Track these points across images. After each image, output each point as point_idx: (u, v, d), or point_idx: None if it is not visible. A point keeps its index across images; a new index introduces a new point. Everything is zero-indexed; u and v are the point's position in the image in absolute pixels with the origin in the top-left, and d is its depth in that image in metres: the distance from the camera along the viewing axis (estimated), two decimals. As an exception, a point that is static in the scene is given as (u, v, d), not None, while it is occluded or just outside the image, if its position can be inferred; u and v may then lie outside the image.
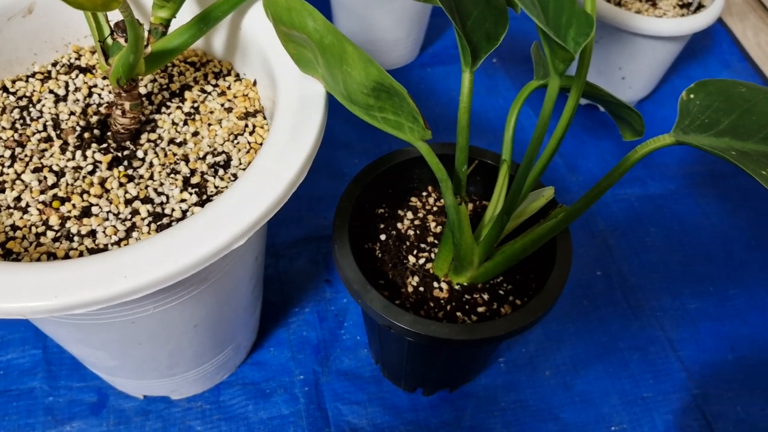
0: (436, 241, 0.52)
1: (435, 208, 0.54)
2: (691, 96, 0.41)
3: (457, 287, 0.49)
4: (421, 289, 0.49)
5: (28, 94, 0.47)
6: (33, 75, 0.48)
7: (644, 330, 0.62)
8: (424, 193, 0.55)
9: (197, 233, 0.34)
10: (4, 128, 0.45)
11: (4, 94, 0.47)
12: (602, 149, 0.76)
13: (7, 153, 0.44)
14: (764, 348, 0.62)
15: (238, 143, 0.45)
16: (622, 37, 0.70)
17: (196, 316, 0.45)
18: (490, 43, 0.41)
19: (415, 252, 0.51)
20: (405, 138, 0.39)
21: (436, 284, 0.49)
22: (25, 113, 0.46)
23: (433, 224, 0.53)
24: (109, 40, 0.43)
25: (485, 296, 0.49)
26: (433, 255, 0.51)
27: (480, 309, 0.48)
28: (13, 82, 0.48)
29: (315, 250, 0.66)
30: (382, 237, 0.52)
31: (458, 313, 0.48)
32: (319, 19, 0.35)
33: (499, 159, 0.50)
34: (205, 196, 0.42)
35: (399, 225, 0.53)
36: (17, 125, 0.45)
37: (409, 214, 0.54)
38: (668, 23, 0.67)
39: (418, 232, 0.53)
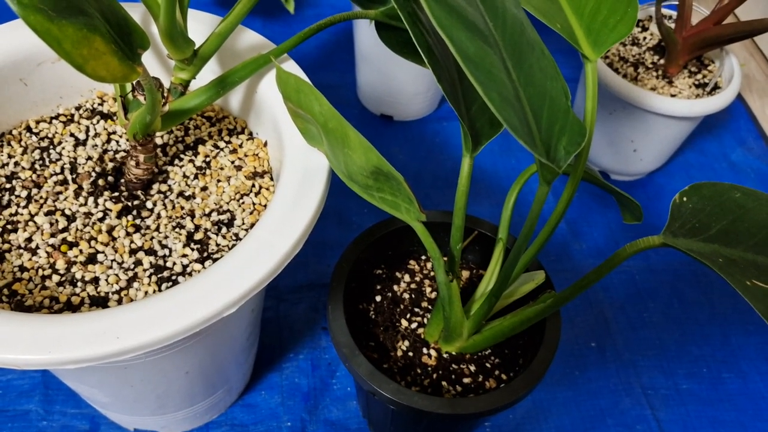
0: (430, 306, 0.53)
1: (432, 273, 0.55)
2: (684, 199, 0.41)
3: (445, 355, 0.50)
4: (411, 354, 0.50)
5: (50, 135, 0.49)
6: (57, 117, 0.51)
7: (633, 407, 0.63)
8: (423, 257, 0.57)
9: (191, 299, 0.35)
10: (24, 168, 0.47)
11: (28, 134, 0.49)
12: (608, 218, 0.77)
13: (24, 193, 0.46)
14: (752, 436, 0.62)
15: (243, 203, 0.46)
16: (636, 113, 0.71)
17: (188, 364, 0.47)
18: (493, 129, 0.43)
19: (408, 316, 0.53)
20: (401, 217, 0.40)
21: (425, 350, 0.50)
22: (45, 154, 0.48)
23: (428, 289, 0.54)
24: (130, 96, 0.45)
25: (472, 368, 0.50)
26: (425, 320, 0.52)
27: (466, 380, 0.49)
28: (37, 122, 0.50)
29: (316, 297, 0.67)
30: (378, 298, 0.53)
31: (444, 382, 0.49)
32: (325, 104, 0.37)
33: (497, 231, 0.51)
34: (206, 254, 0.44)
35: (395, 287, 0.54)
36: (36, 166, 0.47)
37: (407, 277, 0.55)
38: (682, 104, 0.68)
39: (413, 296, 0.54)
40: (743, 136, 0.87)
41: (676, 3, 0.70)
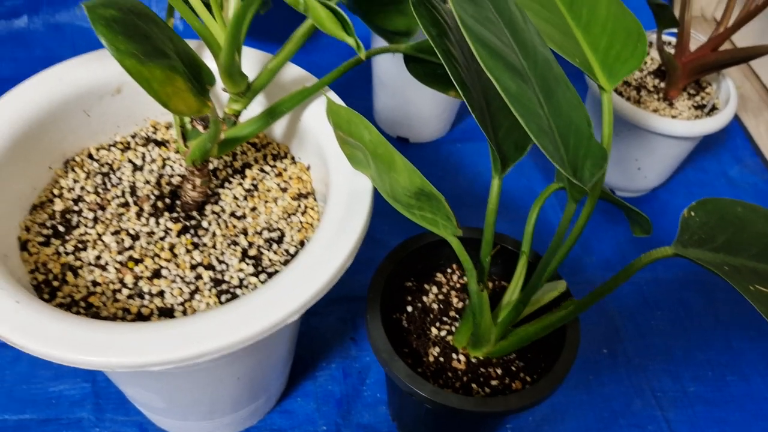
0: (456, 316, 0.58)
1: (458, 285, 0.60)
2: (692, 213, 0.46)
3: (473, 360, 0.55)
4: (441, 359, 0.55)
5: (109, 161, 0.54)
6: (114, 144, 0.55)
7: (644, 409, 0.67)
8: (449, 270, 0.61)
9: (260, 308, 0.40)
10: (88, 192, 0.52)
11: (89, 160, 0.54)
12: (617, 233, 0.81)
13: (90, 215, 0.50)
14: (757, 435, 0.66)
15: (291, 222, 0.51)
16: (640, 134, 0.76)
17: (241, 370, 0.51)
18: (518, 152, 0.48)
19: (437, 324, 0.57)
20: (438, 233, 0.45)
21: (454, 356, 0.55)
22: (106, 179, 0.53)
23: (455, 300, 0.59)
24: (189, 126, 0.49)
25: (498, 371, 0.54)
26: (453, 328, 0.57)
27: (493, 382, 0.53)
28: (97, 150, 0.55)
29: (345, 310, 0.72)
30: (409, 309, 0.58)
31: (473, 385, 0.53)
32: (374, 132, 0.42)
33: (518, 245, 0.55)
34: (260, 268, 0.48)
35: (424, 298, 0.59)
36: (99, 190, 0.52)
37: (434, 289, 0.59)
38: (682, 125, 0.73)
39: (441, 306, 0.58)
40: (740, 153, 0.92)
41: (676, 30, 0.76)
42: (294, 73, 0.54)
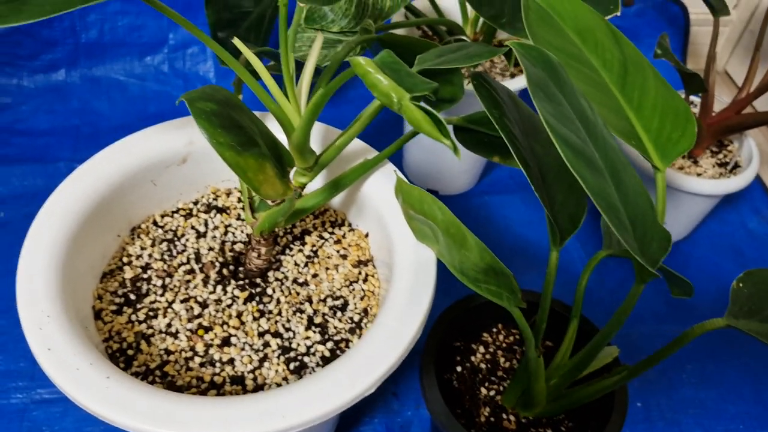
0: (504, 375, 0.60)
1: (504, 345, 0.62)
2: (740, 285, 0.49)
3: (523, 420, 0.56)
4: (492, 419, 0.56)
5: (173, 228, 0.56)
6: (177, 211, 0.57)
7: (680, 463, 0.69)
8: (494, 330, 0.63)
9: (340, 382, 0.42)
10: (156, 259, 0.54)
11: (154, 227, 0.56)
12: (657, 291, 0.83)
13: (159, 282, 0.52)
14: (789, 489, 0.68)
15: (353, 289, 0.53)
16: (667, 190, 0.78)
17: None
18: (573, 225, 0.50)
19: (486, 384, 0.59)
20: (502, 304, 0.47)
21: (505, 416, 0.56)
22: (171, 246, 0.55)
23: (502, 359, 0.61)
24: (256, 198, 0.52)
25: (549, 431, 0.56)
26: (501, 388, 0.59)
27: (544, 443, 0.55)
28: (162, 216, 0.57)
29: (384, 364, 0.73)
30: (458, 368, 0.59)
31: (525, 445, 0.55)
32: (447, 213, 0.44)
33: (557, 304, 0.58)
34: (326, 336, 0.50)
35: (472, 358, 0.61)
36: (165, 257, 0.54)
37: (481, 348, 0.61)
38: (709, 184, 0.76)
39: (489, 366, 0.60)
40: (758, 206, 0.95)
41: (700, 93, 0.79)
42: (354, 145, 0.56)
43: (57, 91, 0.96)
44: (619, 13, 0.58)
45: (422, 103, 0.36)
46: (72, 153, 0.90)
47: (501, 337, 0.63)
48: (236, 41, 0.46)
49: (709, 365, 0.77)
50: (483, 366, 0.60)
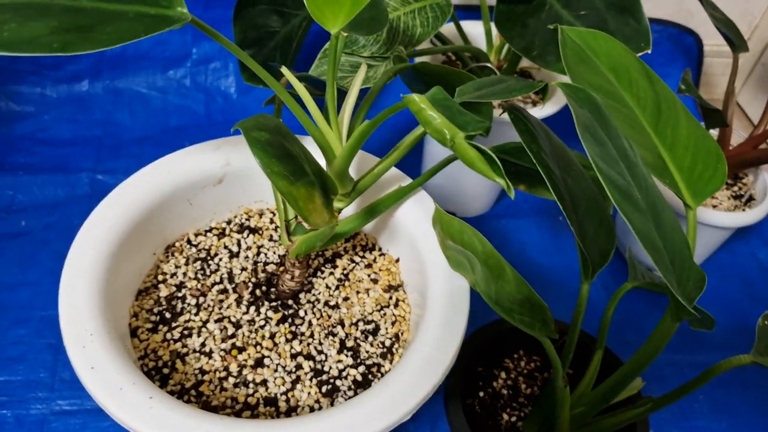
0: (525, 402, 0.60)
1: (525, 371, 0.63)
2: (766, 322, 0.50)
3: (545, 447, 0.57)
4: (514, 446, 0.57)
5: (206, 247, 0.57)
6: (210, 230, 0.58)
7: (692, 493, 0.69)
8: (515, 356, 0.64)
9: (377, 409, 0.42)
10: (190, 278, 0.54)
11: (188, 246, 0.57)
12: (658, 316, 0.85)
13: (193, 301, 0.53)
14: None
15: (384, 314, 0.54)
16: (681, 222, 0.80)
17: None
18: (603, 259, 0.51)
19: (508, 410, 0.60)
20: (534, 334, 0.48)
21: (526, 443, 0.57)
22: (205, 265, 0.55)
23: (523, 386, 0.62)
24: (293, 222, 0.52)
25: (570, 459, 0.57)
26: (522, 414, 0.59)
27: (566, 471, 0.56)
28: (195, 235, 0.57)
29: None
30: (481, 393, 0.60)
31: (547, 473, 0.56)
32: (487, 245, 0.45)
33: (583, 335, 0.59)
34: (358, 360, 0.51)
35: (494, 383, 0.61)
36: (199, 276, 0.55)
37: (503, 374, 0.62)
38: (725, 216, 0.77)
39: (510, 392, 0.61)
40: (767, 236, 0.96)
41: (718, 127, 0.80)
42: (389, 172, 0.57)
43: (80, 102, 0.97)
44: (650, 51, 0.59)
45: (475, 142, 0.37)
46: (94, 163, 0.91)
47: (522, 364, 0.63)
48: (284, 69, 0.47)
49: (722, 396, 0.78)
50: (504, 392, 0.61)
